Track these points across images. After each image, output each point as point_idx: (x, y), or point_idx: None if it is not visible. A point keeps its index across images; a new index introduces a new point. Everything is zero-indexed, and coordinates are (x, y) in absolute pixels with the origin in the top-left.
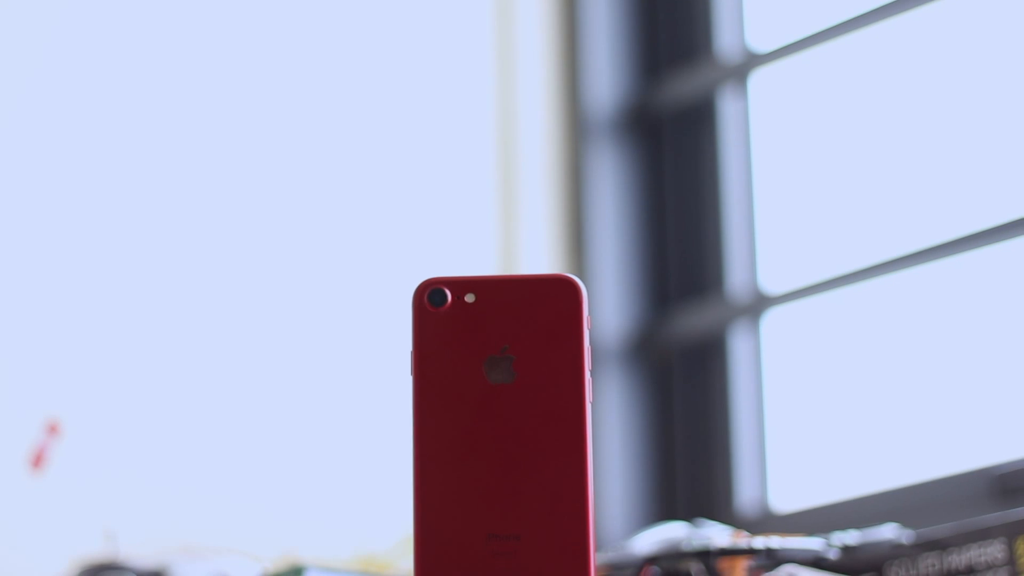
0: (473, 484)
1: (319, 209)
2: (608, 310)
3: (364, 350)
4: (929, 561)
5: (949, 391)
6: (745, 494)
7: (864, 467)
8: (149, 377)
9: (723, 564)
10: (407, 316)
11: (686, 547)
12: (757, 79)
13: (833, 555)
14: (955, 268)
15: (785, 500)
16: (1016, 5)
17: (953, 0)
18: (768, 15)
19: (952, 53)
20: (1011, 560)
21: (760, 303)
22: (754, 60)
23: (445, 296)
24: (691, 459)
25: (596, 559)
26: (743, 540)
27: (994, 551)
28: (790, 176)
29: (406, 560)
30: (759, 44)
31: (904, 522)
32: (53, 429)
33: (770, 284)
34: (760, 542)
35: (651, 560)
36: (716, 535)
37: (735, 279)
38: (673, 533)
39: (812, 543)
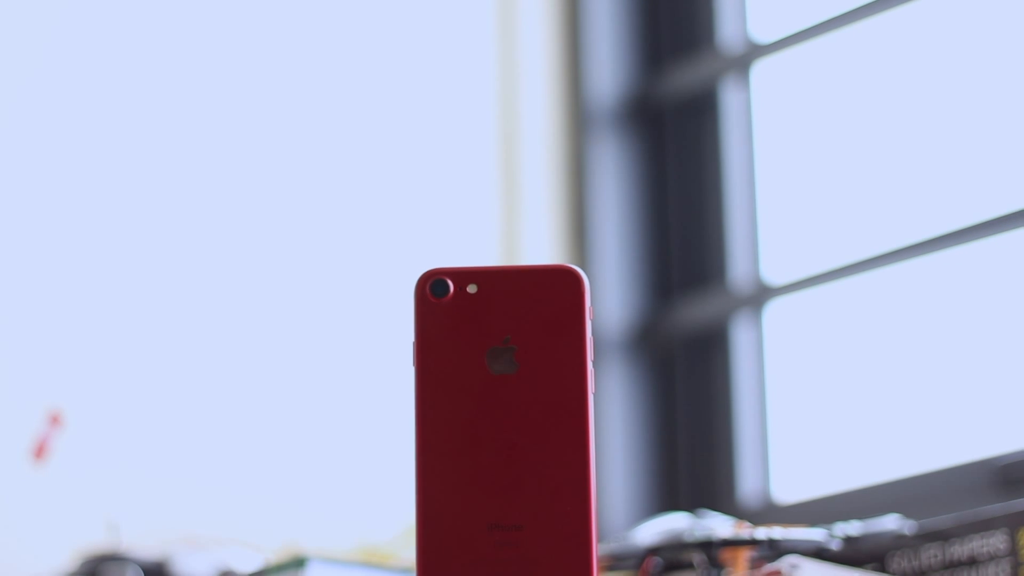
0: (475, 475)
1: (322, 201)
2: (610, 301)
3: (366, 341)
4: (931, 552)
5: (951, 382)
6: (747, 485)
7: (866, 458)
8: (151, 368)
9: (725, 555)
10: (409, 307)
11: (688, 538)
12: (759, 70)
13: (835, 546)
14: (957, 259)
15: (787, 491)
16: None
17: None
18: (770, 6)
19: (954, 44)
20: (1013, 551)
21: (762, 294)
22: (756, 51)
23: (447, 287)
24: (693, 450)
25: (598, 550)
26: (745, 531)
27: (996, 542)
28: (792, 167)
29: (408, 551)
30: (761, 35)
31: (906, 513)
32: (55, 420)
33: (772, 275)
34: (762, 533)
35: (653, 551)
36: (718, 526)
37: (737, 270)
38: (675, 524)
39: (814, 534)
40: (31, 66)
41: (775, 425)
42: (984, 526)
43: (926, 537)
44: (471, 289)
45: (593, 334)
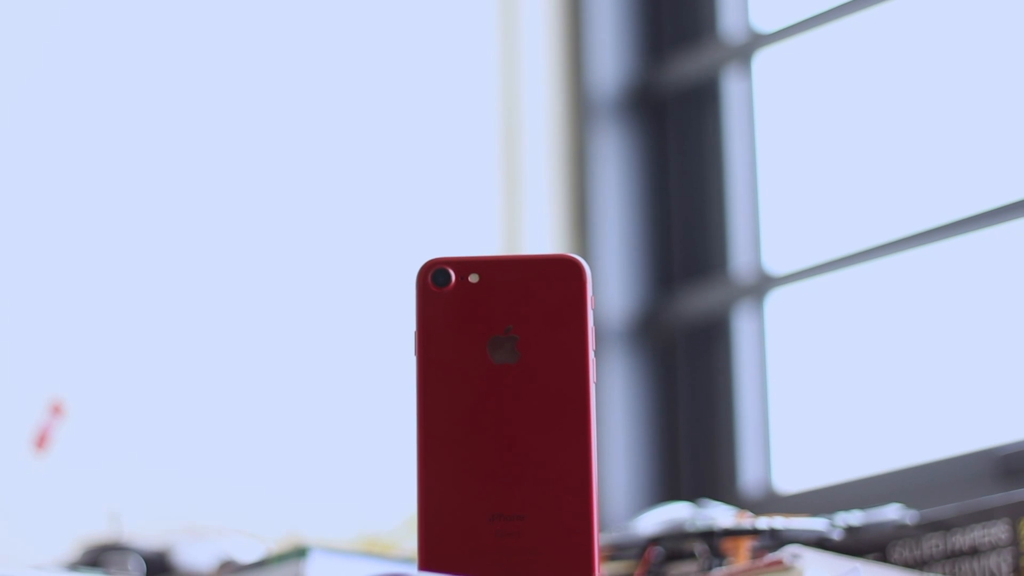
0: (477, 464)
1: (323, 192)
2: (612, 290)
3: (368, 330)
4: (933, 542)
5: (953, 372)
6: (749, 475)
7: (868, 448)
8: (153, 358)
9: (727, 545)
10: (411, 297)
11: (690, 528)
12: (761, 59)
13: (837, 536)
14: (959, 249)
15: (789, 481)
16: None
17: None
18: None
19: (956, 33)
20: (1015, 541)
21: (764, 284)
22: (758, 40)
23: (449, 276)
24: (695, 440)
25: (599, 539)
26: (747, 521)
27: (998, 532)
28: (794, 156)
29: (410, 541)
30: (763, 24)
31: (908, 503)
32: (57, 410)
33: (774, 265)
34: (764, 523)
35: (655, 541)
36: (720, 516)
37: (739, 260)
38: (677, 514)
39: (816, 524)
40: (35, 65)
41: (776, 415)
42: (985, 516)
43: (927, 527)
44: (473, 279)
45: (595, 323)
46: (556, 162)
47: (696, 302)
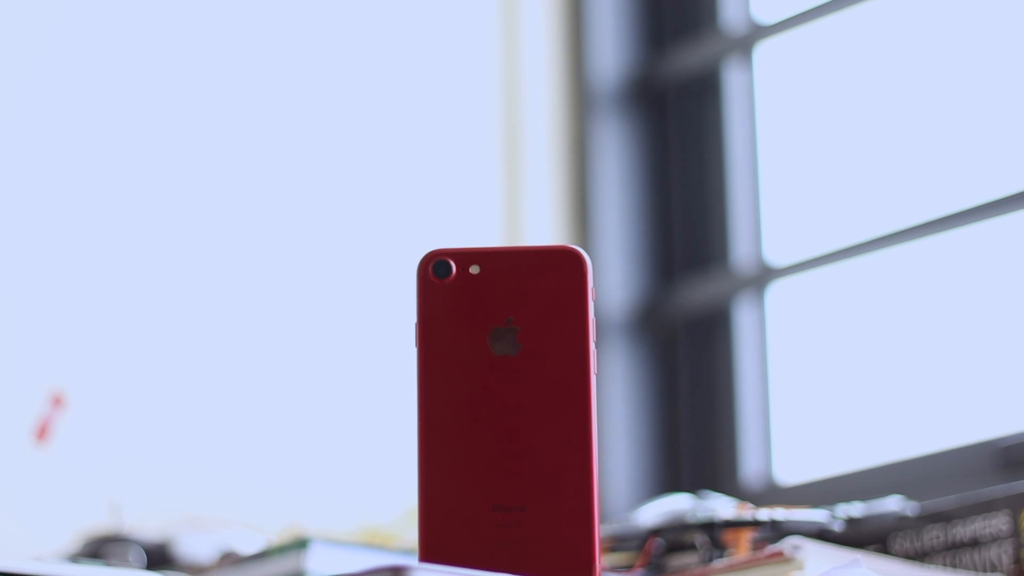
0: (477, 456)
1: (324, 186)
2: (613, 281)
3: (368, 322)
4: (933, 533)
5: (953, 363)
6: (750, 466)
7: (869, 439)
8: (154, 349)
9: (728, 536)
10: (411, 288)
11: (691, 519)
12: (762, 51)
13: (838, 527)
14: (960, 240)
15: (790, 472)
16: None
17: None
18: None
19: (957, 25)
20: (1015, 532)
21: (765, 275)
22: (759, 32)
23: (449, 268)
24: (696, 431)
25: (600, 531)
26: (747, 512)
27: (998, 523)
28: (795, 148)
29: (411, 532)
30: (764, 16)
31: (909, 494)
32: (58, 401)
33: (775, 256)
34: (764, 514)
35: (656, 532)
36: (721, 507)
37: (740, 251)
38: (678, 505)
39: (817, 515)
40: (37, 61)
41: (777, 406)
42: (986, 507)
43: (928, 518)
44: (473, 270)
45: (595, 315)
46: (557, 153)
47: (697, 293)
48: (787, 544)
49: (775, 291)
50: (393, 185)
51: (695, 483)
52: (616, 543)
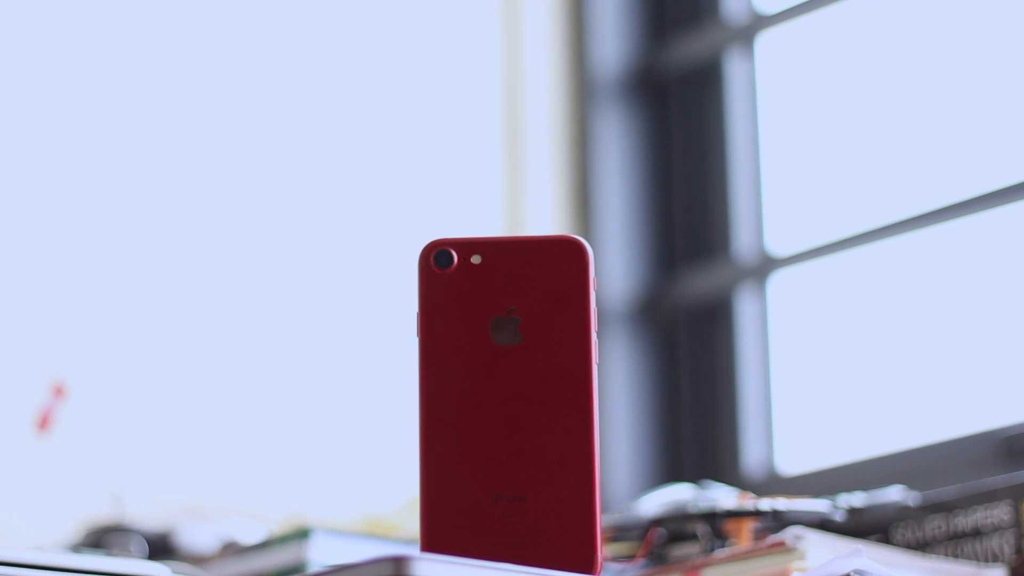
0: (479, 445)
1: (326, 177)
2: (614, 272)
3: (370, 311)
4: (935, 523)
5: (955, 354)
6: (751, 456)
7: (870, 429)
8: (156, 339)
9: (729, 526)
10: (413, 278)
11: (692, 509)
12: (763, 41)
13: (839, 517)
14: (962, 230)
15: (791, 462)
16: None
17: None
18: None
19: (959, 15)
20: (1017, 522)
21: (766, 265)
22: (761, 22)
23: (451, 257)
24: (697, 421)
25: (602, 521)
26: (749, 502)
27: (1000, 513)
28: (797, 138)
29: (413, 522)
30: (766, 6)
31: (910, 484)
32: (59, 391)
33: (776, 246)
34: (766, 504)
35: (657, 522)
36: (722, 497)
37: (741, 241)
38: (679, 495)
39: (818, 505)
40: (43, 56)
41: (779, 396)
42: (988, 497)
43: (930, 508)
44: (475, 260)
45: (597, 305)
46: (559, 143)
47: (698, 283)
48: (789, 534)
49: (776, 281)
50: (395, 175)
51: (697, 473)
52: (618, 533)
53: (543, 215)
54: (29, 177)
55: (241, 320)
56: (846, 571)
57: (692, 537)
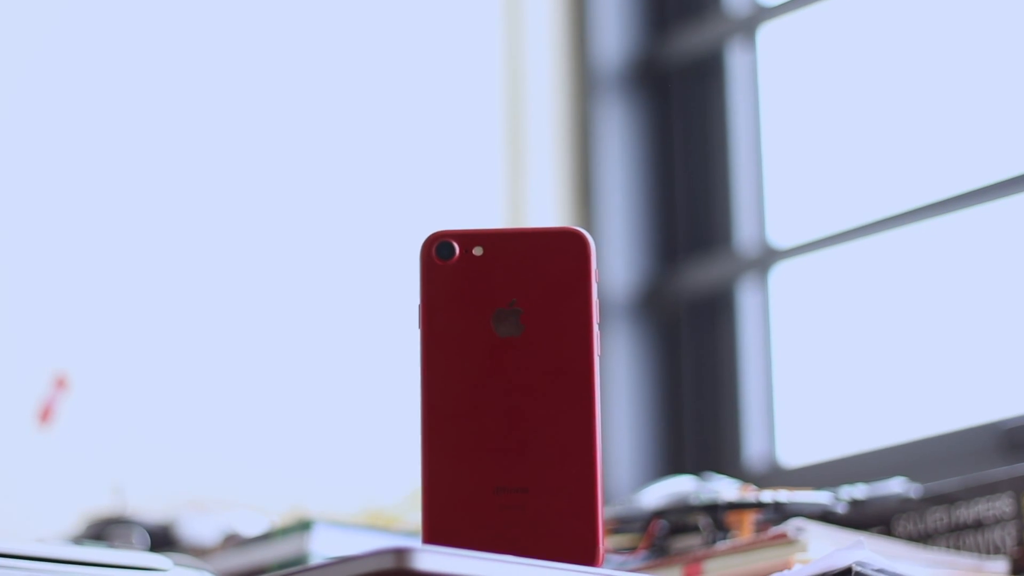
0: (481, 437)
1: (328, 168)
2: (616, 264)
3: (372, 304)
4: (937, 515)
5: (957, 346)
6: (753, 448)
7: (872, 421)
8: (157, 332)
9: (731, 518)
10: (415, 269)
11: (694, 501)
12: (765, 33)
13: (841, 509)
14: (964, 222)
15: (793, 454)
16: None
17: None
18: None
19: (960, 6)
20: (1019, 514)
21: (768, 257)
22: (762, 14)
23: (453, 249)
24: (699, 413)
25: (604, 513)
26: (751, 494)
27: (1002, 505)
28: (798, 130)
29: (414, 514)
30: None
31: (912, 476)
32: (61, 383)
33: (778, 238)
34: (768, 496)
35: (659, 514)
36: (724, 489)
37: (743, 233)
38: (681, 487)
39: (820, 497)
40: (48, 52)
41: (781, 388)
42: (990, 489)
43: (932, 500)
44: (477, 251)
45: (599, 297)
46: (560, 135)
47: (700, 275)
48: (790, 526)
49: (778, 273)
50: (397, 167)
51: (698, 465)
52: (619, 525)
53: (545, 207)
54: (32, 171)
55: (243, 312)
56: (848, 563)
57: (694, 529)
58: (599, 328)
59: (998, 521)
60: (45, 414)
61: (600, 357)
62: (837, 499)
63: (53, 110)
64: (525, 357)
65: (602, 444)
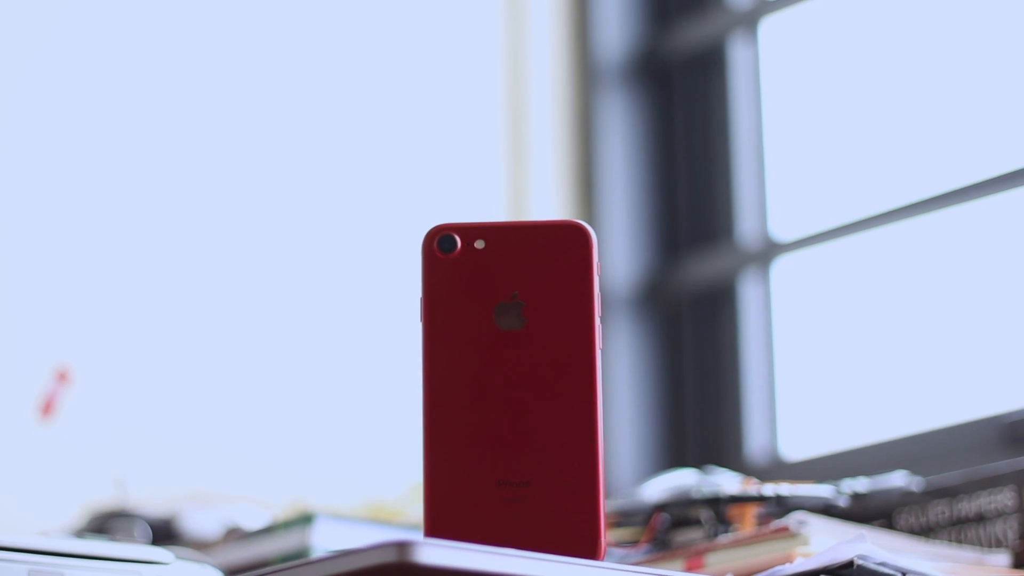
0: (483, 431)
1: (330, 161)
2: (618, 257)
3: (374, 297)
4: (939, 508)
5: (959, 339)
6: (755, 441)
7: (874, 415)
8: (159, 325)
9: (733, 511)
10: (417, 262)
11: (696, 494)
12: (767, 26)
13: (843, 502)
14: (965, 216)
15: (795, 447)
16: None
17: None
18: None
19: (963, 1)
20: (1020, 507)
21: (770, 250)
22: (764, 7)
23: (455, 242)
24: (701, 406)
25: (606, 506)
26: (753, 487)
27: (1003, 498)
28: (800, 123)
29: (416, 508)
30: None
31: (914, 469)
32: (63, 377)
33: (780, 231)
34: (770, 489)
35: (661, 507)
36: (726, 482)
37: (745, 226)
38: (683, 480)
39: (822, 490)
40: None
41: (783, 382)
42: (992, 483)
43: (934, 494)
44: (479, 244)
45: (601, 290)
46: (562, 128)
47: (702, 268)
48: (792, 519)
49: (780, 266)
50: (399, 161)
51: (700, 458)
52: (621, 518)
53: (547, 200)
54: (34, 166)
55: (245, 306)
56: (850, 556)
57: (696, 522)
58: (601, 321)
59: (1000, 514)
60: (47, 407)
61: (602, 350)
62: (839, 492)
63: (54, 107)
64: (527, 350)
65: (604, 437)
